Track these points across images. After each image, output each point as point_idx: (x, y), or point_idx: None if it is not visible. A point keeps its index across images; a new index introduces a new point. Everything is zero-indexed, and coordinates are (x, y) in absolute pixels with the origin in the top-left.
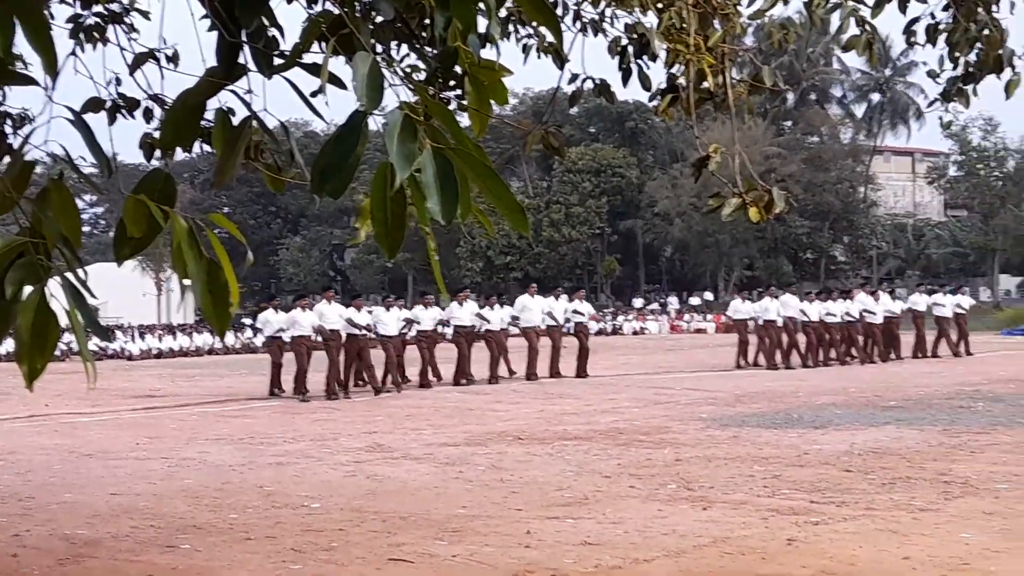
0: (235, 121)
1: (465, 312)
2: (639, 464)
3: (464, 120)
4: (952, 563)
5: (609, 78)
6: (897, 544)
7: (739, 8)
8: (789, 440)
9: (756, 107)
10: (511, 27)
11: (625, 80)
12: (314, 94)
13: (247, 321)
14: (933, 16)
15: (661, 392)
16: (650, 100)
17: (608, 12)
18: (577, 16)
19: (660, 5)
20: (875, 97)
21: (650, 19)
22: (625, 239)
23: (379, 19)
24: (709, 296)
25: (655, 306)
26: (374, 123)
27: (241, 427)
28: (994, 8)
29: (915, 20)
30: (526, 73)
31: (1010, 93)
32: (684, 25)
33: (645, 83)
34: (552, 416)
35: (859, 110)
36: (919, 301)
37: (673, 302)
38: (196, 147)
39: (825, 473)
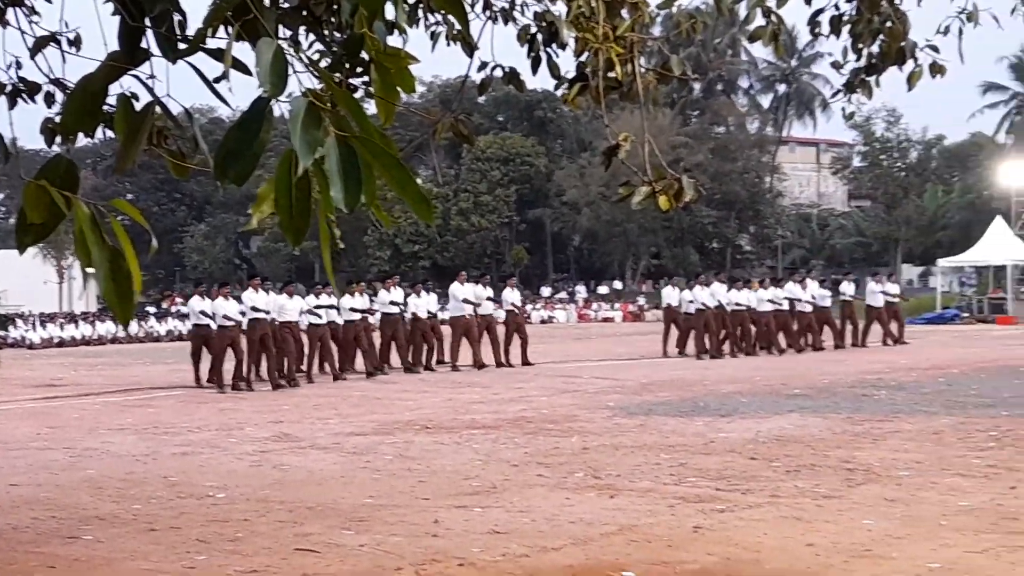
0: (138, 106)
1: (392, 299)
2: (547, 452)
3: (371, 108)
4: (855, 549)
5: (519, 66)
6: (801, 531)
7: None
8: (695, 428)
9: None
10: (419, 14)
11: (534, 69)
12: (218, 80)
13: (151, 309)
14: (837, 7)
15: (569, 381)
16: (556, 88)
17: (517, 0)
18: (487, 5)
19: None
20: (781, 88)
21: (559, 8)
22: (533, 228)
23: (284, 4)
24: (618, 285)
25: (563, 295)
26: (280, 109)
27: (145, 417)
28: (897, 0)
29: (820, 11)
30: (435, 61)
31: (912, 85)
32: (593, 14)
33: (554, 72)
34: (460, 405)
35: (765, 101)
36: (847, 290)
37: (581, 291)
38: (99, 132)
39: (731, 461)
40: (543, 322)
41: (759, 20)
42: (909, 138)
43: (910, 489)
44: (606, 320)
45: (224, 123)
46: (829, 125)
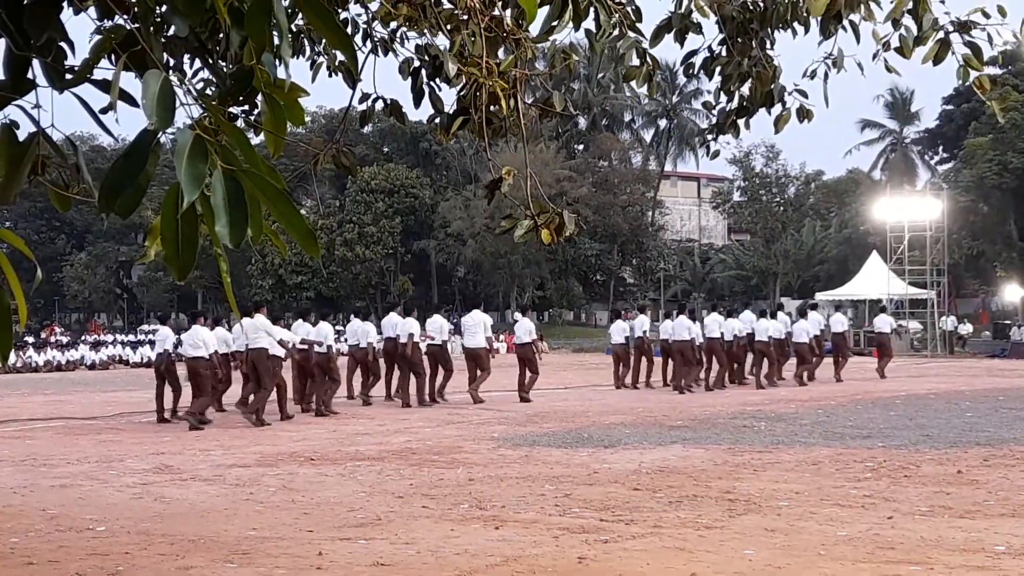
0: (20, 135)
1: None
2: (432, 484)
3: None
4: None
5: (402, 98)
6: (684, 561)
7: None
8: (579, 459)
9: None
10: (301, 43)
11: (417, 102)
12: (104, 111)
13: (29, 339)
14: (711, 49)
15: (453, 412)
16: (428, 121)
17: (399, 32)
18: (367, 36)
19: (450, 27)
20: (663, 123)
21: (441, 40)
22: (418, 259)
23: (171, 32)
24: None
25: (449, 327)
26: (168, 141)
27: (22, 448)
28: (767, 45)
29: (693, 52)
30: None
31: (779, 128)
32: (476, 48)
33: (436, 105)
34: (344, 436)
35: (648, 135)
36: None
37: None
38: None
39: (614, 492)
40: (426, 353)
41: (634, 60)
42: (788, 174)
43: (790, 519)
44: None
45: (106, 151)
46: (709, 160)
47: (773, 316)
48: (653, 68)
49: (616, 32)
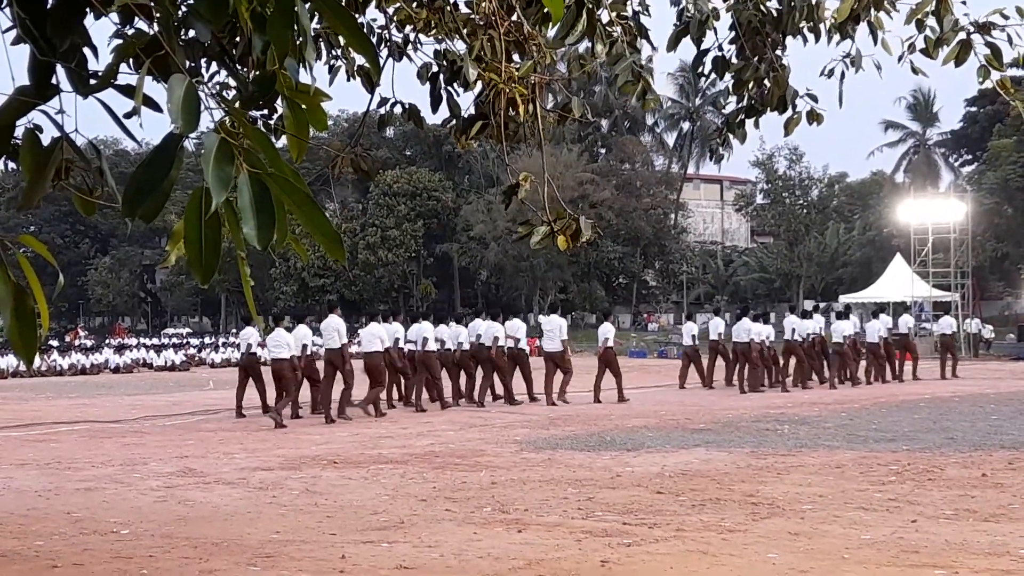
0: (43, 139)
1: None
2: (454, 487)
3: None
4: None
5: (421, 103)
6: (707, 565)
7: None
8: (602, 462)
9: (571, 134)
10: (319, 47)
11: (435, 106)
12: (128, 115)
13: (54, 343)
14: (721, 49)
15: (476, 415)
16: (443, 125)
17: (414, 38)
18: (381, 40)
19: (468, 32)
20: (685, 125)
21: (458, 46)
22: (441, 262)
23: (191, 34)
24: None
25: None
26: (190, 145)
27: (47, 451)
28: (779, 49)
29: (705, 52)
30: (340, 94)
31: (789, 131)
32: (495, 53)
33: (454, 109)
34: (367, 439)
35: (670, 138)
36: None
37: None
38: (0, 163)
39: (637, 495)
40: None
41: (629, 75)
42: (811, 176)
43: (813, 523)
44: None
45: (130, 156)
46: (732, 162)
47: (846, 317)
48: (648, 85)
49: (616, 50)
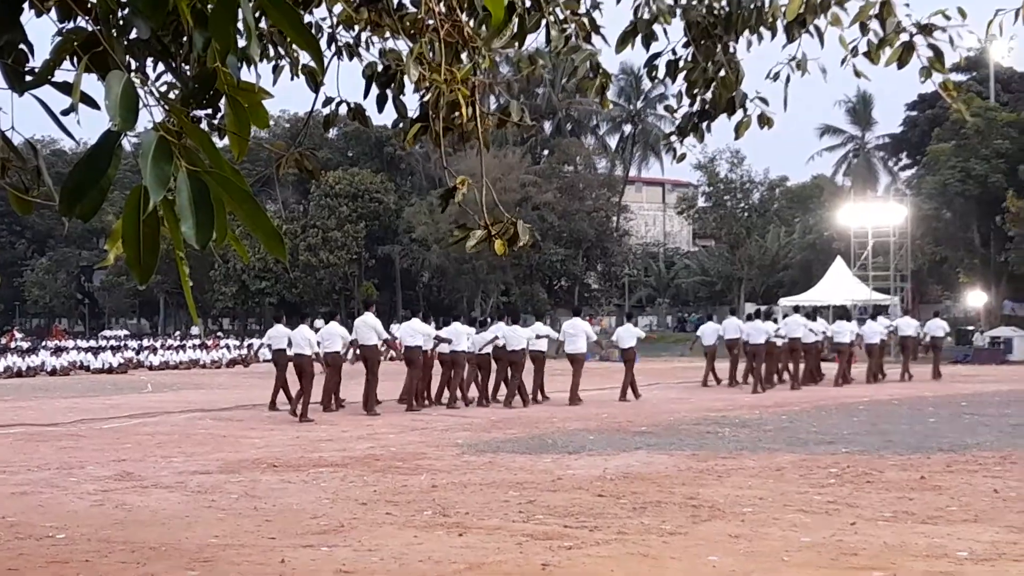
0: None
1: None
2: (395, 491)
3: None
4: None
5: (366, 103)
6: (648, 567)
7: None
8: (543, 465)
9: (514, 136)
10: (264, 46)
11: (380, 106)
12: (65, 113)
13: None
14: (674, 52)
15: (417, 418)
16: (392, 127)
17: (367, 37)
18: (331, 39)
19: (413, 32)
20: (627, 128)
21: (402, 45)
22: (383, 264)
23: (133, 34)
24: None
25: None
26: (128, 144)
27: None
28: (732, 48)
29: (657, 55)
30: (282, 94)
31: (739, 134)
32: (435, 55)
33: (400, 110)
34: (307, 443)
35: (613, 141)
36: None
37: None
38: None
39: (578, 498)
40: (391, 359)
41: (587, 68)
42: (752, 179)
43: (753, 525)
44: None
45: (67, 155)
46: (674, 165)
47: (847, 319)
48: (607, 81)
49: (570, 44)
